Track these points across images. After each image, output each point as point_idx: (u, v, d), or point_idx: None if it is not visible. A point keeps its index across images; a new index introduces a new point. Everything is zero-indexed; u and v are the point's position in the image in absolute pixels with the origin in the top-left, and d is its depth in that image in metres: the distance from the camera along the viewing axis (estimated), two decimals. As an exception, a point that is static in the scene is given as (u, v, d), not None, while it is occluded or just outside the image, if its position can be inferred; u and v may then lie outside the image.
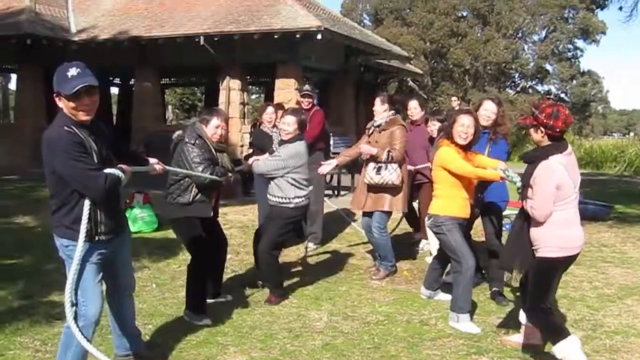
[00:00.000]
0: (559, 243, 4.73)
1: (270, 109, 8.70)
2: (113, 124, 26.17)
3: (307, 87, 9.32)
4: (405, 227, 9.61)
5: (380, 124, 7.65)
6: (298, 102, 9.37)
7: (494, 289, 6.73)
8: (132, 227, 9.77)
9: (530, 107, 4.84)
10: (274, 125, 8.46)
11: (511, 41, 41.90)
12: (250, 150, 8.68)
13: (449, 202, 6.02)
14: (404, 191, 7.64)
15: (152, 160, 4.89)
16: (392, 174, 7.43)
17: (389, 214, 7.71)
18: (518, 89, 44.75)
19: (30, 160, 19.38)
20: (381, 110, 7.71)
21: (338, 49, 20.06)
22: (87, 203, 4.05)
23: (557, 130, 4.71)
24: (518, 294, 6.02)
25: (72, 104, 4.04)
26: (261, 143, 8.39)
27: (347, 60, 20.94)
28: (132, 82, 22.83)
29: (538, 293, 4.86)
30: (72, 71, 4.01)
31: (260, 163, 6.71)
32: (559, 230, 4.72)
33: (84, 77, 4.02)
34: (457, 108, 16.41)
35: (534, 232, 4.83)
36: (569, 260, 4.90)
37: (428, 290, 6.76)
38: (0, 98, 30.84)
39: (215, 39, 17.51)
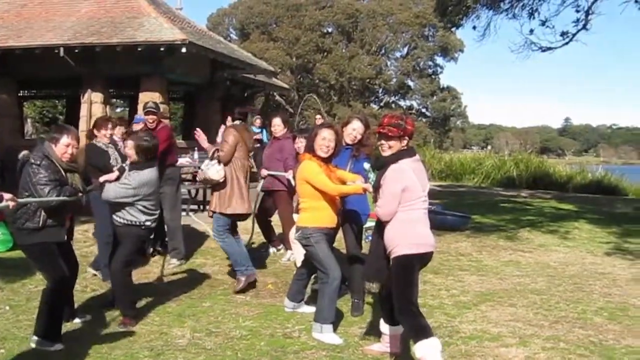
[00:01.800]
0: (411, 240, 4.95)
1: (110, 125, 8.18)
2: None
3: (150, 104, 9.07)
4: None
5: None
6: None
7: (354, 299, 6.85)
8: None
9: (391, 121, 5.03)
10: (110, 141, 8.08)
11: (375, 57, 43.13)
12: None
13: (315, 213, 6.11)
14: (227, 193, 7.68)
15: (7, 196, 4.55)
16: (209, 169, 7.64)
17: (223, 216, 7.70)
18: (382, 103, 46.08)
19: None
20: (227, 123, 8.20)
21: (204, 63, 19.93)
22: None
23: (413, 135, 5.09)
24: (378, 302, 6.14)
25: None
26: (96, 161, 7.77)
27: (214, 74, 20.83)
28: (-14, 94, 21.79)
29: (403, 292, 4.99)
30: None
31: (110, 189, 6.41)
32: (409, 229, 4.96)
33: None
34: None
35: (387, 234, 5.02)
36: (424, 258, 5.11)
37: (292, 302, 6.81)
38: None
39: (76, 50, 16.97)
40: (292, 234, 7.30)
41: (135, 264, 7.23)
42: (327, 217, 6.14)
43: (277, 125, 9.30)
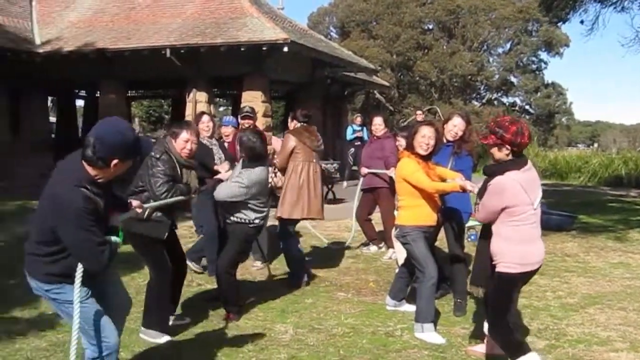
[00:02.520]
0: (517, 259, 4.76)
1: (205, 117, 8.12)
2: (78, 137, 25.98)
3: (247, 108, 9.14)
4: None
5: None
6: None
7: (457, 300, 6.77)
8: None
9: (491, 126, 4.83)
10: (212, 136, 8.07)
11: (476, 54, 42.44)
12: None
13: (413, 212, 6.07)
14: (283, 199, 7.82)
15: (135, 203, 4.55)
16: (275, 178, 7.72)
17: (285, 221, 7.86)
18: (483, 100, 45.31)
19: (-6, 175, 19.18)
20: (290, 126, 8.20)
21: (305, 62, 20.12)
22: (80, 268, 3.69)
23: (523, 146, 4.77)
24: (482, 304, 6.05)
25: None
26: (202, 158, 7.33)
27: (314, 72, 21.00)
28: (97, 94, 22.67)
29: (498, 308, 4.89)
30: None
31: (223, 188, 6.48)
32: (517, 246, 4.76)
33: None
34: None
35: (493, 246, 4.87)
36: (528, 276, 4.95)
37: (393, 300, 6.79)
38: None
39: (182, 51, 17.46)
40: (394, 232, 7.28)
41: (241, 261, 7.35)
42: (425, 216, 6.09)
43: (378, 124, 9.36)
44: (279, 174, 7.80)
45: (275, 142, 8.19)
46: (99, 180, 3.67)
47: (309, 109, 8.62)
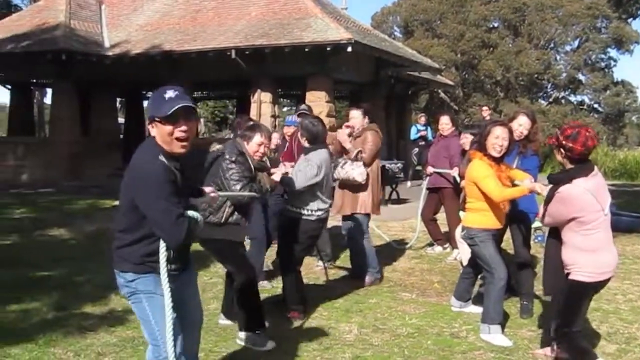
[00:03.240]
0: (591, 268, 4.67)
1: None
2: (145, 137, 26.45)
3: (303, 106, 9.14)
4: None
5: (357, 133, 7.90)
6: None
7: (523, 302, 6.66)
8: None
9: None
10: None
11: (543, 52, 41.65)
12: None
13: (482, 215, 5.97)
14: (372, 193, 7.76)
15: (208, 189, 4.50)
16: (354, 170, 7.60)
17: (364, 216, 7.84)
18: (550, 99, 44.42)
19: (64, 174, 19.80)
20: (359, 120, 7.94)
21: (369, 61, 20.11)
22: (164, 247, 3.63)
23: (576, 153, 4.66)
24: (550, 307, 5.94)
25: (168, 128, 3.58)
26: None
27: (378, 72, 20.97)
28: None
29: (567, 316, 4.79)
30: (170, 93, 3.60)
31: (298, 176, 6.29)
32: (591, 255, 4.66)
33: (182, 99, 3.60)
34: (487, 118, 16.54)
35: (565, 256, 4.77)
36: (601, 284, 4.84)
37: (459, 301, 6.73)
38: (36, 112, 31.30)
39: (247, 52, 17.66)
40: (458, 232, 7.22)
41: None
42: (493, 219, 5.98)
43: (445, 123, 9.29)
44: (363, 169, 7.72)
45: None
46: (176, 154, 3.66)
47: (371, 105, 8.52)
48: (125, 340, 5.73)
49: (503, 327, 6.00)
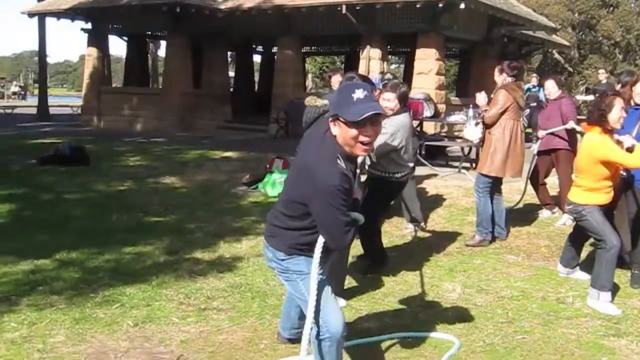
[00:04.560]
0: None
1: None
2: (255, 91, 26.88)
3: (388, 75, 8.99)
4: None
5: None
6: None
7: (635, 271, 6.45)
8: (272, 192, 10.09)
9: None
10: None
11: (668, 12, 39.63)
12: None
13: (592, 193, 5.75)
14: (499, 155, 7.57)
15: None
16: (471, 131, 7.48)
17: (485, 177, 7.71)
18: (672, 63, 42.31)
19: (176, 124, 20.38)
20: (498, 79, 7.80)
21: (481, 19, 19.63)
22: (321, 242, 3.61)
23: None
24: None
25: (353, 133, 3.42)
26: None
27: (490, 30, 20.45)
28: (274, 50, 23.28)
29: None
30: (359, 93, 3.41)
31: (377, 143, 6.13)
32: None
33: (370, 102, 3.44)
34: (604, 82, 15.93)
35: None
36: None
37: (565, 268, 6.57)
38: (150, 64, 32.23)
39: (357, 7, 17.55)
40: (567, 205, 7.02)
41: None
42: (602, 198, 5.76)
43: (550, 87, 8.86)
44: (479, 127, 7.63)
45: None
46: (355, 156, 3.57)
47: (518, 61, 8.24)
48: (234, 286, 5.91)
49: (613, 295, 5.84)
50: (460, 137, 13.98)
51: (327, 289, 3.76)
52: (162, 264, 6.59)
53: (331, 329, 3.69)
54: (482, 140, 7.86)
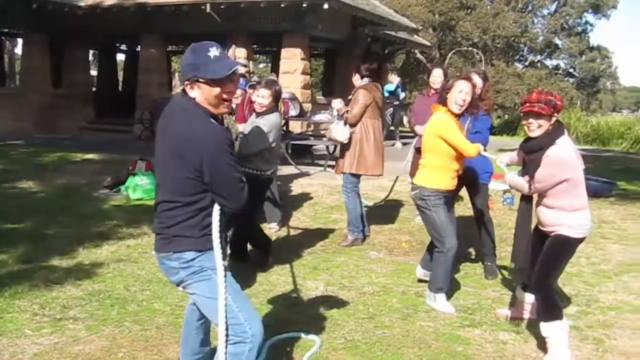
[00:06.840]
0: (579, 228, 4.70)
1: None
2: (118, 90, 26.22)
3: (254, 78, 9.04)
4: (405, 198, 9.62)
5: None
6: None
7: (487, 263, 6.73)
8: (133, 195, 9.85)
9: (542, 97, 4.60)
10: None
11: (521, 15, 41.67)
12: None
13: (437, 173, 5.68)
14: (360, 153, 7.71)
15: None
16: (335, 129, 7.71)
17: (353, 176, 7.83)
18: (527, 63, 44.57)
19: (35, 126, 19.52)
20: (354, 80, 7.98)
21: (345, 19, 19.96)
22: (217, 209, 3.41)
23: (559, 107, 4.65)
24: (512, 266, 5.95)
25: (216, 91, 3.35)
26: None
27: (355, 30, 20.82)
28: (138, 48, 22.77)
29: (550, 269, 4.77)
30: (214, 51, 3.33)
31: (250, 139, 6.37)
32: (578, 216, 4.69)
33: (228, 58, 3.42)
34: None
35: (551, 215, 4.75)
36: (582, 242, 4.87)
37: (424, 270, 6.35)
38: (7, 62, 30.77)
39: (222, 6, 17.43)
40: (411, 191, 7.15)
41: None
42: (447, 181, 5.70)
43: (437, 76, 8.46)
44: (346, 128, 7.72)
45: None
46: (217, 114, 3.47)
47: (375, 63, 8.27)
48: (92, 293, 5.73)
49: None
50: (325, 136, 14.13)
51: (238, 287, 3.60)
52: (16, 273, 6.29)
53: (255, 330, 3.48)
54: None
